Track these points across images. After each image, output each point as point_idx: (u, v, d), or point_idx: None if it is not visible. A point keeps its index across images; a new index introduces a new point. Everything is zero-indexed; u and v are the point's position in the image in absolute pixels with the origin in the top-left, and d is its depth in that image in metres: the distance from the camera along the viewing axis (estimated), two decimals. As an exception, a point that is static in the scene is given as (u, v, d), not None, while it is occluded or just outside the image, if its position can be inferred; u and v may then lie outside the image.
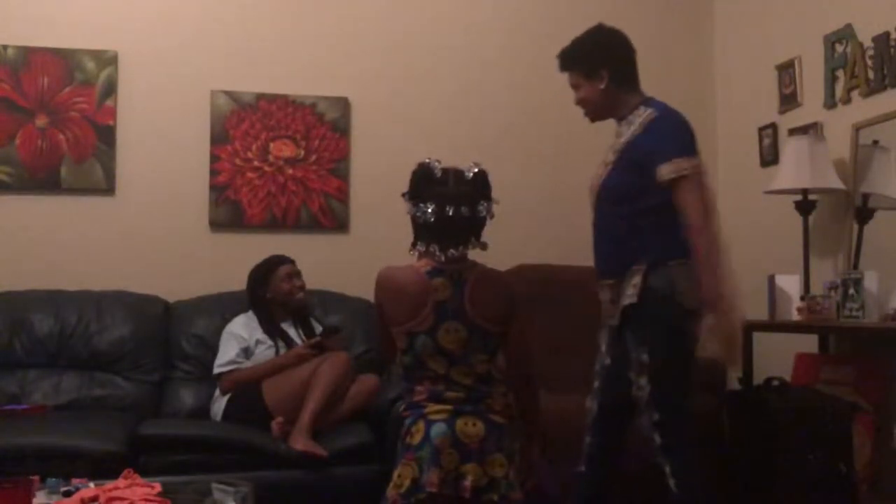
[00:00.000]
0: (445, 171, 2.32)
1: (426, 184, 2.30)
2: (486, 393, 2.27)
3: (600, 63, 2.77)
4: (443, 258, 2.28)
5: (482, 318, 2.28)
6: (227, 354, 3.65)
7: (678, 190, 2.60)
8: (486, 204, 2.31)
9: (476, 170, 2.34)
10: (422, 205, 2.28)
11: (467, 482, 2.14)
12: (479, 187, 2.32)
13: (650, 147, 2.67)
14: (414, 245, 2.35)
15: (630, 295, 2.64)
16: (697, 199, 2.59)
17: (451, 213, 2.25)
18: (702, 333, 2.48)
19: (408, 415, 2.28)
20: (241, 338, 3.69)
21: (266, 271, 3.80)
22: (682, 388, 2.68)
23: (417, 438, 2.20)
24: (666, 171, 2.60)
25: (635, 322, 2.66)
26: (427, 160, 2.34)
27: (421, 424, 2.21)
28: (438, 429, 2.18)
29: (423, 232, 2.31)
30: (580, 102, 2.85)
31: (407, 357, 2.30)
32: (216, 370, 3.64)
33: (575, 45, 2.83)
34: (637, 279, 2.64)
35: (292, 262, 3.85)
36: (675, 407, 2.65)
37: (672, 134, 2.69)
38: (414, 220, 2.32)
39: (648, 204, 2.66)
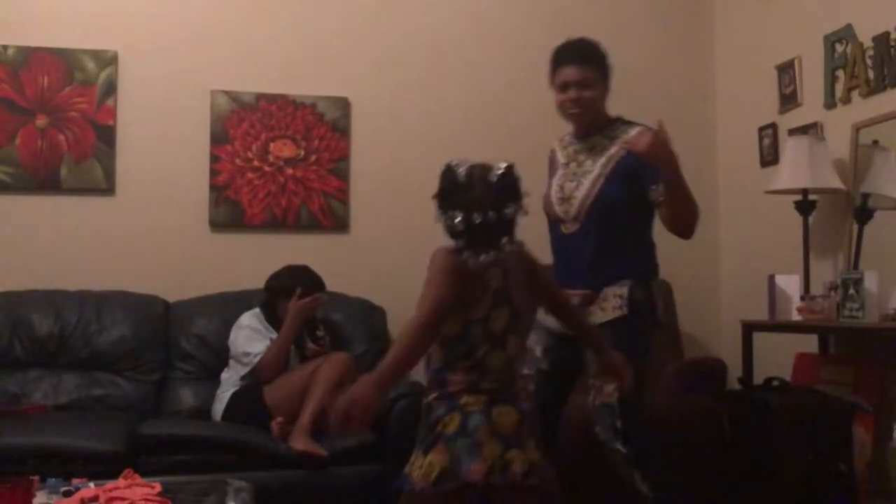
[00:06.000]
0: (471, 173, 2.24)
1: (451, 191, 2.24)
2: (514, 378, 2.26)
3: (609, 69, 2.81)
4: (478, 261, 2.24)
5: (521, 301, 2.28)
6: (258, 345, 3.61)
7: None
8: (513, 205, 2.25)
9: (503, 168, 2.27)
10: (450, 212, 2.23)
11: (516, 468, 2.12)
12: (505, 189, 2.25)
13: (642, 164, 2.65)
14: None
15: (619, 306, 2.73)
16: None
17: (478, 221, 2.20)
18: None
19: (439, 403, 2.21)
20: (259, 329, 3.67)
21: (290, 288, 3.67)
22: (643, 396, 2.78)
23: (452, 429, 2.15)
24: (658, 191, 2.67)
25: (608, 331, 2.64)
26: (452, 162, 2.26)
27: (456, 415, 2.17)
28: (475, 420, 2.15)
29: (455, 237, 2.25)
30: (582, 100, 2.76)
31: (455, 344, 2.23)
32: (255, 360, 3.56)
33: (594, 45, 2.80)
34: (623, 291, 2.73)
35: (319, 288, 3.74)
36: (637, 414, 2.72)
37: None
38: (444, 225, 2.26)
39: (637, 220, 2.79)
